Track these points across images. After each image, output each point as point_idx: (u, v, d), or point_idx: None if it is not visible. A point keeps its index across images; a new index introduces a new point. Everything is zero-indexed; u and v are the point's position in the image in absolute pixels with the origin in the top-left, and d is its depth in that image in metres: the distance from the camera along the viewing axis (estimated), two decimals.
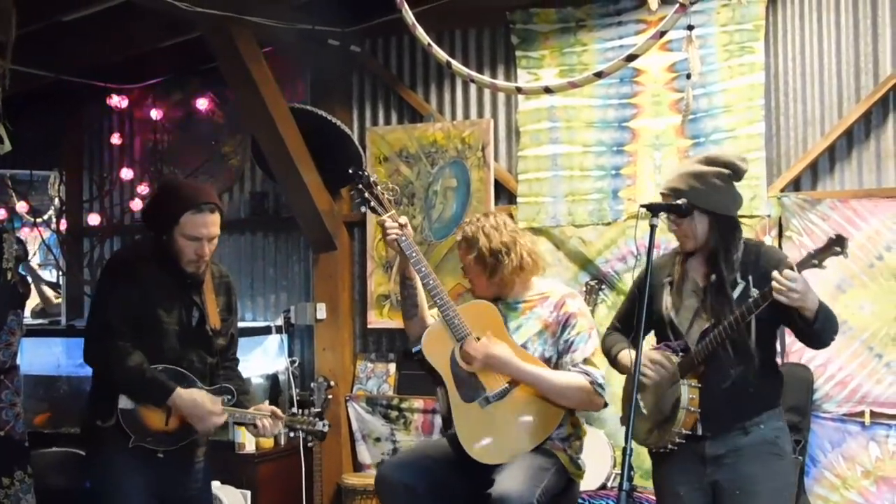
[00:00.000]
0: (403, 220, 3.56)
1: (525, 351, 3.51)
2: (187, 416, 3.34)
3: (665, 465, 3.22)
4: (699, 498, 3.14)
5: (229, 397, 3.48)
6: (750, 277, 3.08)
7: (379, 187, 3.60)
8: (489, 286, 3.59)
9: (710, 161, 3.19)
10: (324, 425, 3.61)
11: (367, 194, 3.57)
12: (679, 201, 3.10)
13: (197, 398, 3.34)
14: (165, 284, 3.39)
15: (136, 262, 3.42)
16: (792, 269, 2.83)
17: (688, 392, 3.08)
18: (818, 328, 2.94)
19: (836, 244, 2.78)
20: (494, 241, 3.54)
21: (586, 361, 3.46)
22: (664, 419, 3.15)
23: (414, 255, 3.52)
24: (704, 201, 3.11)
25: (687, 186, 3.12)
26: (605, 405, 3.54)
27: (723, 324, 3.02)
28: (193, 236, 3.33)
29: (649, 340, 3.32)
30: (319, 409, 3.71)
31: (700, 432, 3.11)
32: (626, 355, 3.32)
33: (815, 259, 2.82)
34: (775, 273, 2.83)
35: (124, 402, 3.31)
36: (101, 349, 3.33)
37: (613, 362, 3.44)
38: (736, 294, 3.08)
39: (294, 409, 3.71)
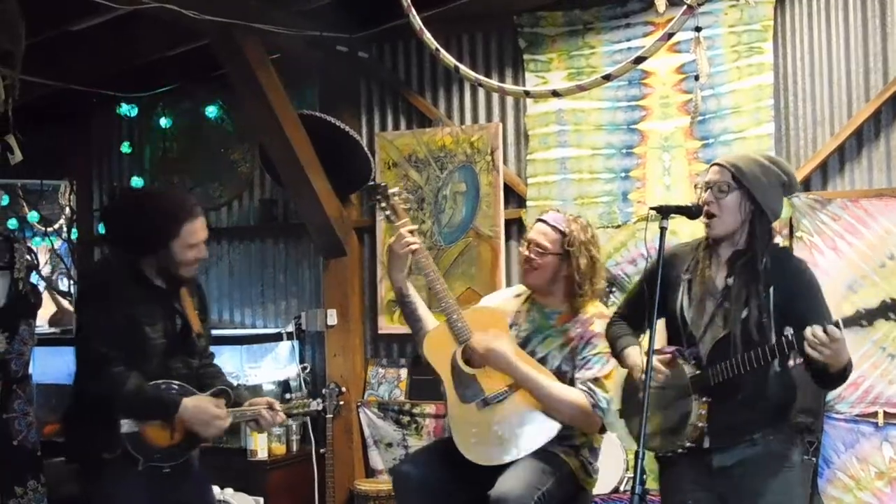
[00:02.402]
0: (414, 227, 3.65)
1: (531, 359, 3.50)
2: (193, 424, 3.29)
3: (673, 472, 3.16)
4: None
5: (227, 399, 3.42)
6: (772, 289, 2.99)
7: (396, 197, 3.68)
8: (556, 279, 3.57)
9: (774, 162, 3.13)
10: (317, 404, 3.75)
11: (384, 204, 3.67)
12: (724, 181, 3.03)
13: (201, 405, 3.30)
14: (145, 300, 3.33)
15: (113, 283, 3.34)
16: (829, 319, 2.75)
17: (698, 408, 3.02)
18: (837, 381, 2.91)
19: (892, 310, 2.73)
20: (595, 249, 3.60)
21: (595, 381, 3.43)
22: (670, 429, 3.09)
23: (423, 259, 3.61)
24: (758, 189, 3.02)
25: (748, 169, 3.04)
26: (604, 430, 3.50)
27: (747, 354, 2.91)
28: (196, 242, 3.33)
29: (659, 333, 3.26)
30: (308, 391, 3.89)
31: (707, 445, 3.04)
32: (633, 353, 3.23)
33: (865, 319, 2.78)
34: (816, 329, 2.71)
35: (127, 426, 3.21)
36: (99, 379, 3.22)
37: (617, 354, 3.34)
38: (757, 304, 2.99)
39: (287, 395, 3.80)
